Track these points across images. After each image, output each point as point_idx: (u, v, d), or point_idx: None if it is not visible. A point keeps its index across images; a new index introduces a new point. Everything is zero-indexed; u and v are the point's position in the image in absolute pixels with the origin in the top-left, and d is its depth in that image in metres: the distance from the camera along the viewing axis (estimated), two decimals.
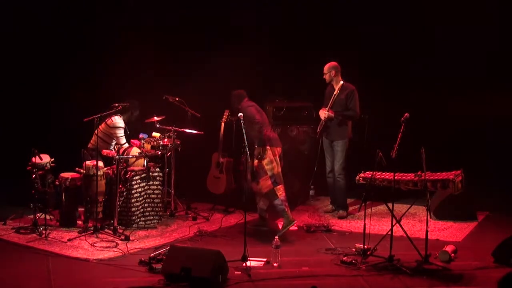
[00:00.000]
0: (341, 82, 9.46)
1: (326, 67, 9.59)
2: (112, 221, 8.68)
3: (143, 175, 9.05)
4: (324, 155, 9.82)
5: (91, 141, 9.16)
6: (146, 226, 9.05)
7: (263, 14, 11.18)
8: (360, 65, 10.67)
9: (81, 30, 10.72)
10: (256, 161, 8.82)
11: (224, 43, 11.00)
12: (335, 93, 9.44)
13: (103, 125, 9.06)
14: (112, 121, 9.11)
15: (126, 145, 9.14)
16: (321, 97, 9.93)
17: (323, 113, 9.52)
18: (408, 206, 8.49)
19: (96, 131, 9.01)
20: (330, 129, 9.58)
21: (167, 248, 7.60)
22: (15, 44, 10.55)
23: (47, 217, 8.76)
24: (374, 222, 9.02)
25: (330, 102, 9.48)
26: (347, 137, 9.61)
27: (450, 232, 9.06)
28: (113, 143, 9.17)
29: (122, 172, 8.88)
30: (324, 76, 9.59)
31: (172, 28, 11.01)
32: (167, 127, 9.50)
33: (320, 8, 11.14)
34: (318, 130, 9.70)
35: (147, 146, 9.20)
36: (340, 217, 9.58)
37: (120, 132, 9.16)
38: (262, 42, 10.93)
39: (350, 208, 9.80)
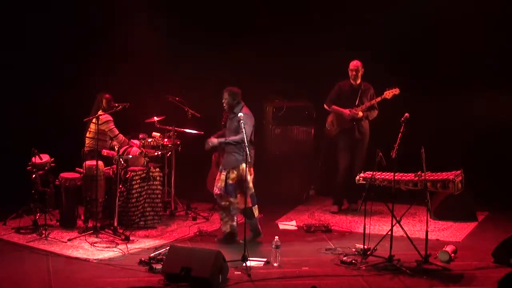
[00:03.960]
0: (398, 89, 9.52)
1: (359, 65, 9.64)
2: (112, 221, 8.68)
3: (143, 175, 9.05)
4: (325, 155, 9.87)
5: (86, 144, 9.12)
6: (146, 226, 9.05)
7: (263, 14, 11.17)
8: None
9: (81, 30, 10.70)
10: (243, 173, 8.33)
11: (225, 42, 11.00)
12: (379, 98, 9.53)
13: (92, 126, 9.01)
14: (101, 118, 9.02)
15: (121, 135, 9.11)
16: (322, 96, 9.96)
17: (352, 113, 9.60)
18: (408, 206, 8.48)
19: (87, 133, 9.06)
20: (361, 128, 9.70)
21: (167, 248, 7.60)
22: (15, 43, 10.55)
23: (47, 217, 8.75)
24: (374, 222, 9.02)
25: (366, 103, 9.59)
26: (369, 136, 9.78)
27: (450, 232, 9.07)
28: (108, 139, 9.14)
29: (122, 172, 8.88)
30: (353, 73, 9.64)
31: (172, 28, 10.99)
32: (167, 127, 9.50)
33: (317, 7, 11.13)
34: (330, 127, 9.74)
35: (147, 146, 9.19)
36: (354, 210, 9.61)
37: (111, 125, 9.10)
38: (263, 42, 10.91)
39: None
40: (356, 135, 9.71)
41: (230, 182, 8.41)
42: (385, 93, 9.53)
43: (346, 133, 9.75)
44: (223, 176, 8.46)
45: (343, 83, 9.77)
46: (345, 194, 9.93)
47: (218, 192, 8.47)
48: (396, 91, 9.49)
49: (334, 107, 9.77)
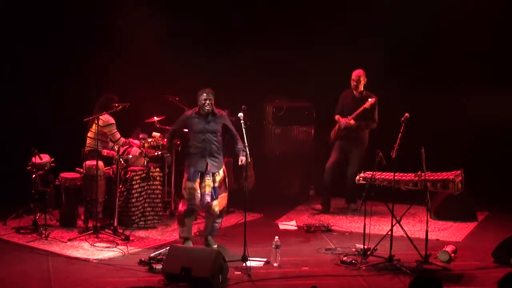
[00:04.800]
0: (374, 99, 9.52)
1: (360, 74, 9.60)
2: (112, 221, 8.68)
3: (143, 175, 9.05)
4: (327, 156, 9.87)
5: (87, 144, 9.12)
6: (146, 226, 9.05)
7: (263, 13, 11.18)
8: (360, 65, 10.65)
9: (81, 30, 10.70)
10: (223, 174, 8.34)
11: (224, 42, 10.99)
12: (361, 108, 9.48)
13: (94, 126, 9.01)
14: (103, 120, 9.04)
15: (122, 139, 9.12)
16: (323, 97, 9.94)
17: (345, 122, 9.58)
18: (408, 206, 8.48)
19: (88, 133, 9.06)
20: (351, 136, 9.67)
21: (167, 248, 7.60)
22: (15, 43, 10.55)
23: (47, 217, 8.75)
24: (374, 222, 9.02)
25: (357, 112, 9.52)
26: (366, 144, 9.66)
27: (450, 232, 9.07)
28: (108, 140, 9.15)
29: (122, 172, 8.88)
30: (355, 83, 9.60)
31: (172, 28, 10.99)
32: (167, 127, 9.50)
33: (317, 7, 11.13)
34: (332, 134, 9.76)
35: (147, 146, 9.18)
36: (354, 210, 9.60)
37: (114, 128, 9.12)
38: (263, 41, 10.91)
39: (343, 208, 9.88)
40: (350, 143, 9.68)
41: (217, 185, 8.25)
42: (365, 103, 9.50)
43: (341, 140, 9.74)
44: (208, 181, 8.19)
45: (347, 92, 9.76)
46: (331, 194, 9.90)
47: (209, 199, 8.20)
48: (372, 100, 9.49)
49: (337, 116, 9.75)
